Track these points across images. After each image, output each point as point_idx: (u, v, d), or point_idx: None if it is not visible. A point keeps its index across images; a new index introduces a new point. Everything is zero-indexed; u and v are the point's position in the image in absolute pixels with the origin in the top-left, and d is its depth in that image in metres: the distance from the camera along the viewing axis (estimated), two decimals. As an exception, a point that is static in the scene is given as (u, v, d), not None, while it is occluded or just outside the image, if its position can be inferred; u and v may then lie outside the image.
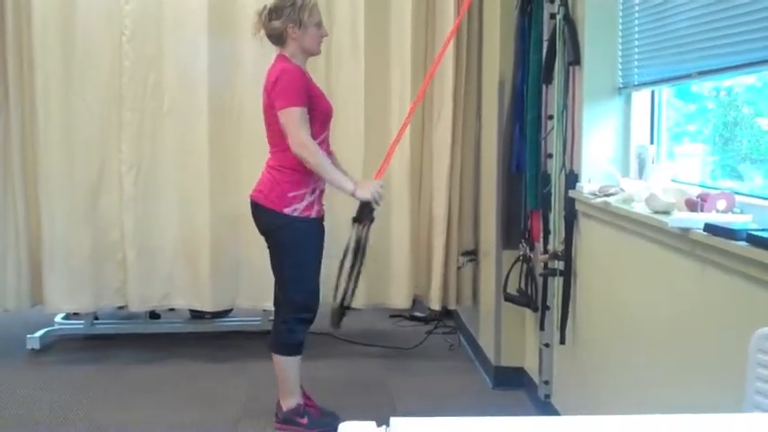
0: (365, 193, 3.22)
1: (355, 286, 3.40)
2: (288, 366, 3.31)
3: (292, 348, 3.30)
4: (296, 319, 3.27)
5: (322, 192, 3.28)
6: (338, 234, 3.48)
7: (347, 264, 3.34)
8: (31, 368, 4.18)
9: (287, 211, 3.18)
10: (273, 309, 3.47)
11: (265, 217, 3.24)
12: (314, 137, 3.17)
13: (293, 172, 3.18)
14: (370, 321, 4.96)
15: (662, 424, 1.13)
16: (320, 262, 3.34)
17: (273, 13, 3.18)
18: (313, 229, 3.26)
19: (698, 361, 2.10)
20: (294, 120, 3.11)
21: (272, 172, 3.22)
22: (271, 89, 3.15)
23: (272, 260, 3.32)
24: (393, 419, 1.05)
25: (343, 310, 3.39)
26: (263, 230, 3.30)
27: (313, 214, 3.23)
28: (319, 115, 3.21)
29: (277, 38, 3.22)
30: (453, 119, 4.27)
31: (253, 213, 3.30)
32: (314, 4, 3.22)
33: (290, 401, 3.34)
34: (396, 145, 3.54)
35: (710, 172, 2.62)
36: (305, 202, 3.20)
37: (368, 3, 4.25)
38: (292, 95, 3.12)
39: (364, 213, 3.28)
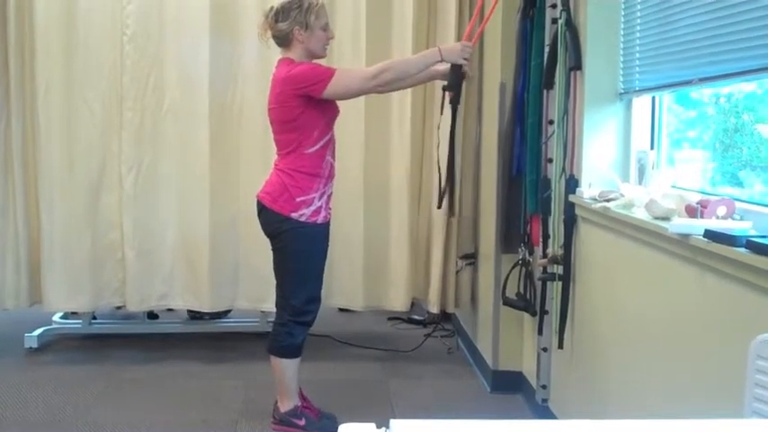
0: (453, 55, 3.18)
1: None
2: (286, 369, 3.31)
3: (291, 351, 3.29)
4: (294, 322, 3.27)
5: (330, 195, 3.28)
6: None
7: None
8: (29, 367, 4.18)
9: (294, 215, 3.16)
10: (275, 311, 3.48)
11: (271, 220, 3.22)
12: (319, 137, 3.17)
13: (302, 175, 3.17)
14: (369, 324, 4.96)
15: (660, 429, 1.13)
16: (323, 267, 3.34)
17: (280, 14, 3.17)
18: (318, 235, 3.25)
19: (697, 367, 2.11)
20: (344, 80, 3.12)
21: (281, 175, 3.20)
22: (280, 91, 3.14)
23: (274, 263, 3.32)
24: (393, 422, 1.05)
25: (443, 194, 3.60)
26: (268, 233, 3.28)
27: (320, 220, 3.21)
28: (324, 116, 3.20)
29: (283, 39, 3.21)
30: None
31: (259, 214, 3.28)
32: (321, 6, 3.21)
33: (288, 403, 3.33)
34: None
35: (710, 178, 2.62)
36: (313, 207, 3.19)
37: (369, 1, 4.27)
38: (319, 73, 3.10)
39: (452, 83, 3.22)
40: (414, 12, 4.29)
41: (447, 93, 3.29)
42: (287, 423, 3.34)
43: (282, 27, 3.17)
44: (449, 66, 3.23)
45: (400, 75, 3.23)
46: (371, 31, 4.27)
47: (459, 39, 4.20)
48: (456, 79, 3.23)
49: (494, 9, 3.39)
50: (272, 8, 3.23)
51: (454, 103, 3.31)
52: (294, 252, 3.23)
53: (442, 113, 3.54)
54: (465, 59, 3.20)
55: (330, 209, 3.29)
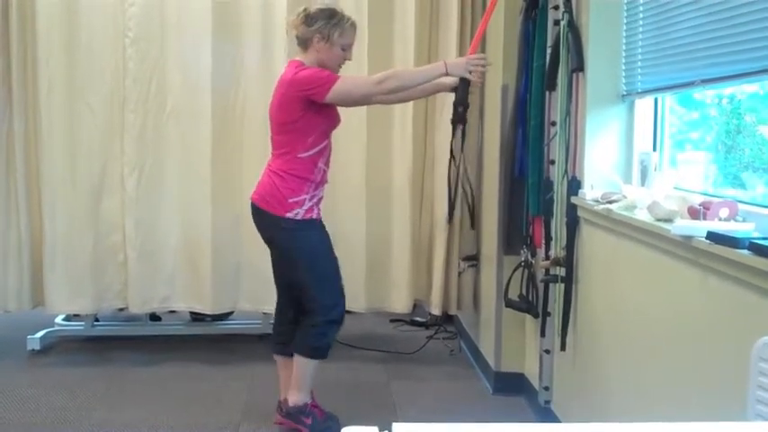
0: (458, 69, 3.17)
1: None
2: (310, 367, 3.30)
3: (321, 351, 3.29)
4: (327, 321, 3.25)
5: (320, 199, 3.27)
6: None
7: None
8: (32, 369, 4.18)
9: (289, 215, 3.17)
10: (274, 312, 3.48)
11: (267, 221, 3.22)
12: (313, 144, 3.17)
13: (293, 178, 3.17)
14: (371, 326, 4.96)
15: (663, 432, 1.13)
16: (335, 259, 3.32)
17: (309, 18, 3.17)
18: (318, 230, 3.26)
19: (699, 369, 2.10)
20: (348, 86, 3.12)
21: (273, 176, 3.21)
22: (284, 92, 3.14)
23: (281, 267, 3.30)
24: (395, 425, 1.05)
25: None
26: (265, 235, 3.28)
27: (314, 216, 3.23)
28: (323, 124, 3.20)
29: (303, 42, 3.21)
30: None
31: (253, 216, 3.28)
32: (350, 26, 3.20)
33: (299, 397, 3.31)
34: (488, 17, 3.36)
35: (713, 180, 2.62)
36: (305, 207, 3.19)
37: (372, 1, 4.27)
38: (323, 78, 3.09)
39: (461, 98, 3.21)
40: (416, 20, 4.29)
41: (458, 109, 3.29)
42: (294, 418, 3.32)
43: (306, 31, 3.17)
44: (455, 79, 3.22)
45: (404, 84, 3.23)
46: (373, 40, 4.27)
47: (460, 47, 4.21)
48: (465, 94, 3.23)
49: (489, 15, 3.37)
50: (305, 9, 3.23)
51: (460, 122, 3.30)
52: (299, 251, 3.23)
53: (453, 136, 3.51)
54: (471, 72, 3.20)
55: (320, 210, 3.29)
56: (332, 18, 3.16)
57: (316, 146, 3.18)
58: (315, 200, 3.23)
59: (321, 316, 3.25)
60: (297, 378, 3.32)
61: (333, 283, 3.29)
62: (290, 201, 3.17)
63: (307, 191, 3.19)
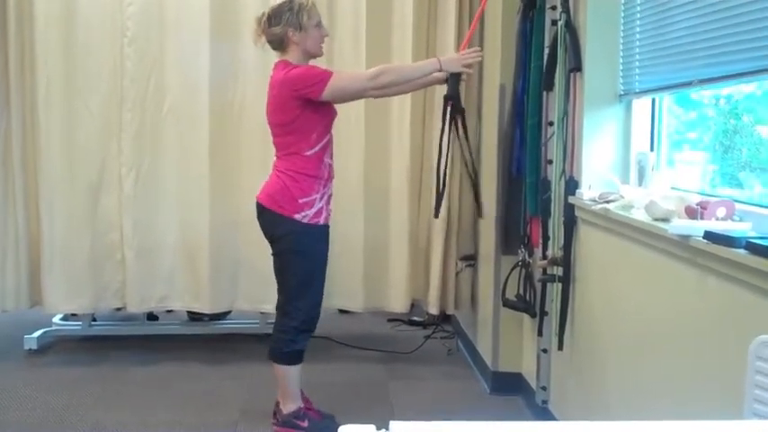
0: (451, 65, 3.19)
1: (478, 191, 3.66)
2: (289, 374, 3.30)
3: (293, 358, 3.28)
4: (297, 329, 3.25)
5: (330, 196, 3.27)
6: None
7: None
8: (29, 369, 4.18)
9: (297, 217, 3.15)
10: (276, 314, 3.47)
11: (274, 222, 3.21)
12: (317, 140, 3.17)
13: (304, 177, 3.16)
14: (368, 325, 4.96)
15: (660, 431, 1.13)
16: (325, 270, 3.33)
17: (272, 18, 3.18)
18: (322, 237, 3.25)
19: (697, 368, 2.11)
20: (342, 82, 3.13)
21: (281, 176, 3.19)
22: (277, 93, 3.14)
23: (277, 267, 3.29)
24: (392, 423, 1.05)
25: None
26: (270, 236, 3.27)
27: (321, 221, 3.22)
28: (322, 119, 3.20)
29: (278, 43, 3.21)
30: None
31: (259, 216, 3.26)
32: (312, 6, 3.21)
33: (291, 405, 3.32)
34: (480, 14, 3.40)
35: (710, 180, 2.62)
36: (315, 209, 3.18)
37: (370, 4, 4.27)
38: (316, 75, 3.10)
39: (452, 92, 3.23)
40: (413, 15, 4.29)
41: (449, 102, 3.29)
42: (290, 425, 3.33)
43: (276, 31, 3.17)
44: (448, 73, 3.23)
45: (398, 79, 3.23)
46: (371, 35, 4.27)
47: (458, 42, 4.21)
48: (456, 88, 3.24)
49: (481, 12, 3.38)
50: (263, 14, 3.24)
51: (453, 112, 3.30)
52: (298, 253, 3.22)
53: (443, 128, 3.50)
54: (465, 67, 3.21)
55: (330, 209, 3.29)
56: (292, 7, 3.17)
57: (320, 141, 3.18)
58: (325, 198, 3.23)
59: (294, 321, 3.24)
60: (282, 387, 3.33)
61: (315, 296, 3.28)
62: (301, 201, 3.16)
63: (317, 189, 3.19)
